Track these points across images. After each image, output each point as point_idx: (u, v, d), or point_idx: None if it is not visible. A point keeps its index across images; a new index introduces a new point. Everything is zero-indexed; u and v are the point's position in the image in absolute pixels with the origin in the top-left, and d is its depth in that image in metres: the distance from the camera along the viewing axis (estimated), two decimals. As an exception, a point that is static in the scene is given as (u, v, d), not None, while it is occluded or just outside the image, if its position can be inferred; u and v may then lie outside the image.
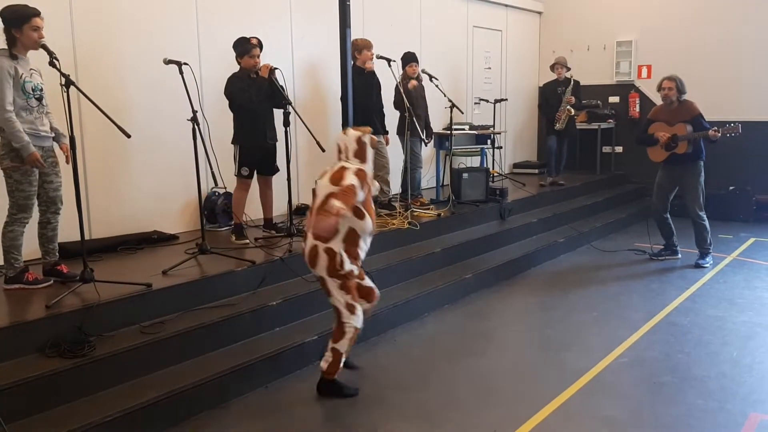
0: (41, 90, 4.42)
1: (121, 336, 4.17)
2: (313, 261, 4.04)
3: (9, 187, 4.37)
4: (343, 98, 6.45)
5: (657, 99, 10.59)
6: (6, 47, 4.27)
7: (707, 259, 7.24)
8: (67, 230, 4.92)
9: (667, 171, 7.21)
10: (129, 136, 4.34)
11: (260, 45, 5.85)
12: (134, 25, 5.94)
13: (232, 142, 5.88)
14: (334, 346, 4.13)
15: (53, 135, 4.54)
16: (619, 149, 11.26)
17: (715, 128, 6.72)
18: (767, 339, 5.10)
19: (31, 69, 4.40)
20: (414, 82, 7.38)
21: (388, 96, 7.34)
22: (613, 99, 11.21)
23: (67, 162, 4.46)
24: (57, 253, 4.73)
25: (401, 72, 7.36)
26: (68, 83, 4.19)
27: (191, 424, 3.90)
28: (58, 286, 4.56)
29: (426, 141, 7.37)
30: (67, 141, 4.42)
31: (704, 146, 6.97)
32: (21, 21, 4.24)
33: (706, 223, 7.15)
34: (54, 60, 4.22)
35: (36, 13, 4.29)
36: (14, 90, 4.23)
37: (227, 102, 5.80)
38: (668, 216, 7.35)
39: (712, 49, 9.94)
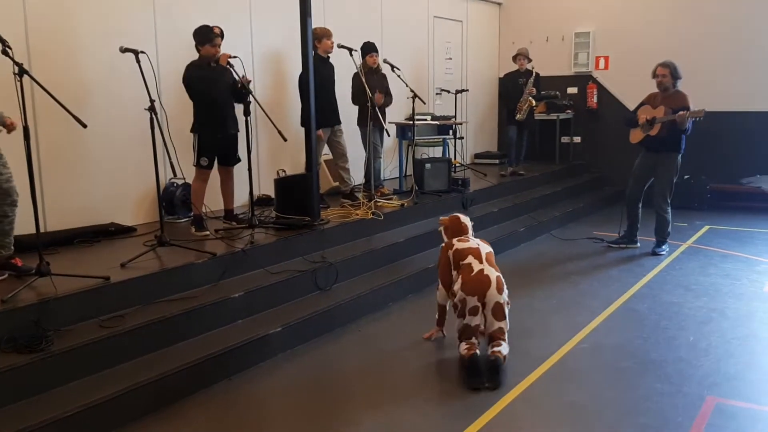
0: None
1: (79, 330, 4.08)
2: (501, 288, 4.50)
3: None
4: (304, 87, 6.40)
5: (615, 89, 10.87)
6: None
7: (664, 247, 7.39)
8: (21, 223, 4.75)
9: (643, 159, 7.31)
10: (85, 126, 4.23)
11: (222, 35, 5.76)
12: (89, 11, 5.79)
13: (191, 131, 5.77)
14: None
15: None
16: (577, 139, 11.41)
17: (682, 112, 6.76)
18: (722, 324, 5.24)
19: None
20: (380, 96, 7.29)
21: (346, 85, 7.33)
22: (572, 90, 11.35)
23: (10, 129, 4.29)
24: (12, 247, 4.60)
25: (361, 62, 7.33)
26: (21, 72, 4.05)
27: (153, 417, 3.84)
28: (12, 280, 4.43)
29: (388, 132, 7.35)
30: (8, 117, 4.27)
31: (683, 140, 7.01)
32: None
33: (669, 216, 7.28)
34: (6, 48, 4.07)
35: None
36: None
37: (185, 91, 5.69)
38: (640, 206, 7.46)
39: (669, 42, 10.11)
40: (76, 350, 3.88)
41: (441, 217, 5.25)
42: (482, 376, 4.22)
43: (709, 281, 6.36)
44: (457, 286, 4.51)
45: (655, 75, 7.05)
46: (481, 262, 4.57)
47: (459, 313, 4.48)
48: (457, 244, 4.74)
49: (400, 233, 6.79)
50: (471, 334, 4.40)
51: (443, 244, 4.95)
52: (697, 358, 4.59)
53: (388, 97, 7.52)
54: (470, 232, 4.99)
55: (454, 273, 4.69)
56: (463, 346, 4.38)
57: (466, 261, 4.59)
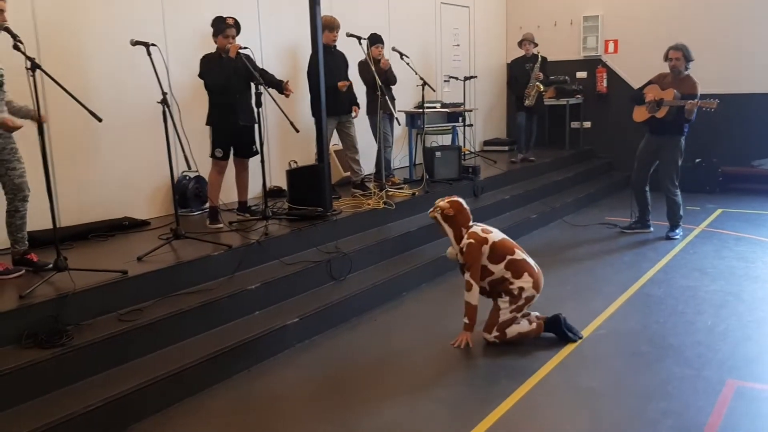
0: (1, 76, 4.28)
1: (98, 324, 4.10)
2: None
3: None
4: (312, 77, 6.37)
5: (625, 73, 10.78)
6: None
7: (677, 231, 7.36)
8: (35, 218, 4.79)
9: (647, 143, 7.27)
10: (100, 120, 4.24)
11: (237, 26, 5.74)
12: (98, 4, 5.77)
13: (206, 123, 5.80)
14: None
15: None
16: (587, 124, 11.35)
17: (693, 101, 6.71)
18: (739, 307, 5.22)
19: None
20: (386, 61, 7.30)
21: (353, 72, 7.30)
22: (581, 74, 11.28)
23: (42, 122, 4.27)
24: (27, 242, 4.62)
25: (368, 51, 7.28)
26: (34, 67, 4.06)
27: (174, 410, 3.87)
28: (29, 275, 4.46)
29: (399, 120, 7.31)
30: (36, 109, 4.27)
31: (686, 124, 6.97)
32: None
33: (679, 198, 7.25)
34: (18, 43, 4.07)
35: None
36: None
37: (199, 83, 5.70)
38: (647, 190, 7.43)
39: (679, 23, 10.03)
40: (96, 344, 3.89)
41: (439, 202, 4.72)
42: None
43: (724, 264, 6.33)
44: (526, 284, 4.52)
45: (667, 58, 6.99)
46: (523, 251, 4.63)
47: (519, 308, 4.55)
48: (490, 237, 4.57)
49: (411, 222, 6.78)
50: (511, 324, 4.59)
51: (472, 241, 4.53)
52: (715, 342, 4.57)
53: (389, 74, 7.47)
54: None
55: (495, 267, 4.55)
56: (525, 324, 4.62)
57: (516, 256, 4.56)
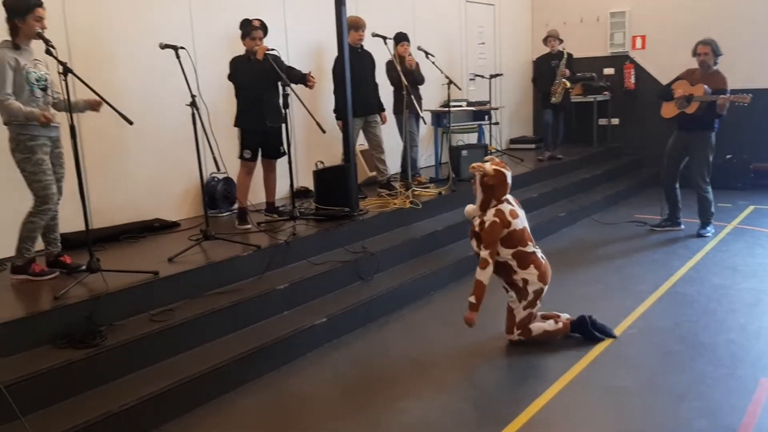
0: (46, 80, 4.38)
1: (131, 324, 4.16)
2: None
3: (26, 180, 4.34)
4: (338, 77, 6.38)
5: (653, 69, 10.65)
6: (9, 38, 4.24)
7: (709, 229, 7.25)
8: (67, 221, 4.88)
9: (676, 139, 7.19)
10: (131, 123, 4.30)
11: (263, 27, 5.78)
12: (127, 9, 5.85)
13: (234, 125, 5.86)
14: None
15: (59, 125, 4.47)
16: (615, 121, 11.23)
17: (725, 96, 6.62)
18: (773, 305, 5.14)
19: (35, 59, 4.36)
20: (412, 59, 7.30)
21: (380, 73, 7.30)
22: (608, 71, 11.17)
23: (97, 107, 4.48)
24: (60, 244, 4.71)
25: (395, 51, 7.30)
26: (66, 71, 4.14)
27: (206, 409, 3.90)
28: (63, 277, 4.53)
29: (425, 120, 7.31)
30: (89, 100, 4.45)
31: (717, 119, 6.87)
32: (24, 11, 4.20)
33: (710, 195, 7.14)
34: (50, 48, 4.16)
35: (39, 3, 4.25)
36: (18, 81, 4.19)
37: (228, 85, 5.77)
38: (677, 187, 7.33)
39: (707, 18, 9.88)
40: (129, 344, 3.95)
41: (477, 164, 4.50)
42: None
43: (756, 262, 6.23)
44: (530, 276, 4.48)
45: (696, 53, 6.91)
46: (534, 244, 4.58)
47: (530, 303, 4.52)
48: (513, 223, 4.42)
49: (438, 221, 6.77)
50: (531, 321, 4.58)
51: (496, 220, 4.38)
52: (749, 341, 4.50)
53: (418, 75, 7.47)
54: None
55: (503, 250, 4.45)
56: (551, 323, 4.63)
57: (527, 249, 4.50)
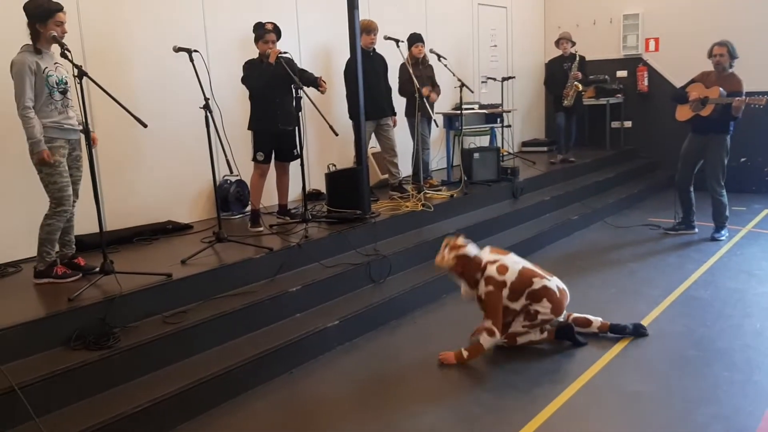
0: (66, 83, 4.42)
1: (144, 326, 4.17)
2: None
3: (42, 182, 4.38)
4: (350, 80, 6.37)
5: (666, 72, 10.59)
6: (30, 42, 4.28)
7: (723, 233, 7.19)
8: (81, 223, 4.91)
9: (690, 142, 7.14)
10: (146, 126, 4.31)
11: (276, 30, 5.79)
12: (140, 13, 5.88)
13: (248, 128, 5.89)
14: None
15: (80, 128, 4.50)
16: (628, 124, 11.17)
17: (740, 98, 6.57)
18: (789, 310, 5.09)
19: (55, 63, 4.40)
20: (434, 96, 7.28)
21: (393, 76, 7.30)
22: (621, 73, 11.11)
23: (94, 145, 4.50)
24: (74, 246, 4.73)
25: (407, 53, 7.30)
26: (81, 74, 4.16)
27: (218, 411, 3.91)
28: (77, 278, 4.56)
29: (437, 122, 7.30)
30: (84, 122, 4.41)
31: (732, 122, 6.82)
32: (46, 16, 4.24)
33: (724, 198, 7.08)
34: (65, 51, 4.18)
35: (60, 8, 4.29)
36: (38, 84, 4.23)
37: (241, 88, 5.80)
38: (692, 190, 7.28)
39: (721, 20, 9.81)
40: (142, 346, 3.96)
41: (437, 260, 4.50)
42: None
43: (772, 266, 6.19)
44: (543, 309, 4.44)
45: (711, 55, 6.85)
46: (542, 276, 4.50)
47: (531, 326, 4.51)
48: (507, 278, 4.37)
49: (450, 224, 6.75)
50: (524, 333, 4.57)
51: (491, 288, 4.35)
52: (765, 345, 4.46)
53: (436, 87, 7.46)
54: (476, 249, 4.49)
55: (514, 303, 4.44)
56: (536, 333, 4.56)
57: (535, 285, 4.43)
